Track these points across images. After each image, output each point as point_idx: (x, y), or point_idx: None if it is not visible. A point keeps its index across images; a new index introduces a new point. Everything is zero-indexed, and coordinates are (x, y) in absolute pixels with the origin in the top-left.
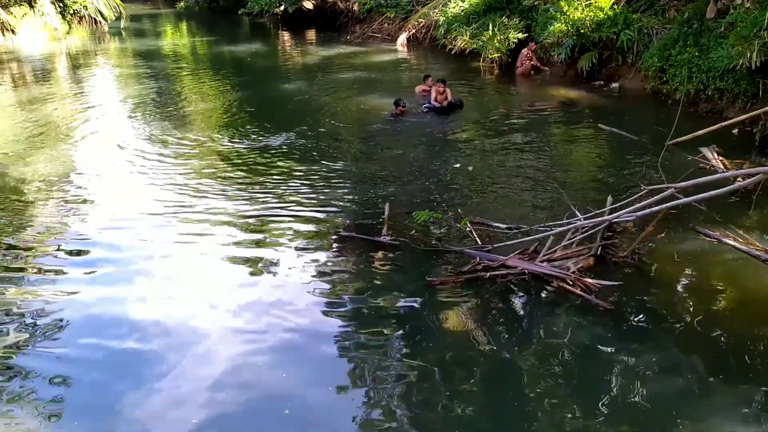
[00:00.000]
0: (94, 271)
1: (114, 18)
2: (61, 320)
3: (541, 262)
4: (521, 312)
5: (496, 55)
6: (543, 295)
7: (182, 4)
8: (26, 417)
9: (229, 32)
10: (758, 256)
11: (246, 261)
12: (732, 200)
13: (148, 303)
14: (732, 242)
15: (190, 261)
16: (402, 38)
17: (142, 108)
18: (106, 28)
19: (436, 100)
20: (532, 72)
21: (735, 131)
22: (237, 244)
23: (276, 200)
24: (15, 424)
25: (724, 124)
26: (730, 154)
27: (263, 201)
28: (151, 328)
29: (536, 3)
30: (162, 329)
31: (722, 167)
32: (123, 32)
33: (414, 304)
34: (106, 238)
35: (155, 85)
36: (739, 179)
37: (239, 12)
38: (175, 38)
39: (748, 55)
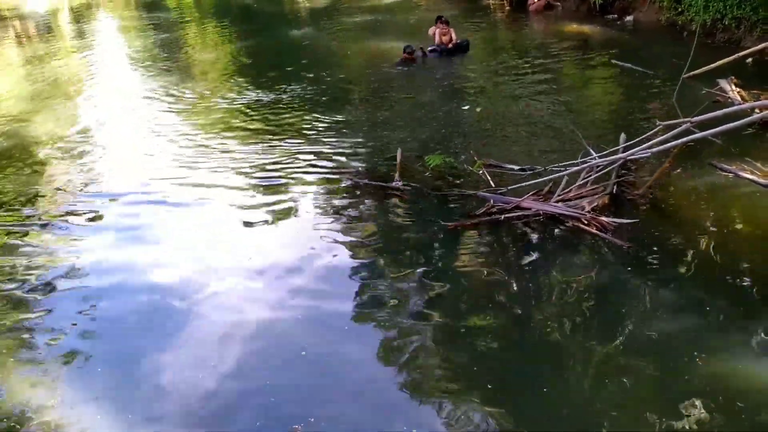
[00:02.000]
0: (110, 230)
1: None
2: (83, 275)
3: (556, 202)
4: (538, 253)
5: None
6: (559, 235)
7: None
8: (51, 364)
9: None
10: None
11: (260, 211)
12: (748, 132)
13: (166, 258)
14: (749, 176)
15: (206, 214)
16: None
17: (148, 61)
18: None
19: (440, 41)
20: (549, 7)
21: (749, 61)
22: (250, 195)
23: (287, 150)
24: (39, 372)
25: (741, 54)
26: (748, 85)
27: (274, 151)
28: (171, 281)
29: None
30: (182, 281)
31: (739, 99)
32: None
33: (429, 249)
34: (120, 197)
35: (160, 37)
36: (756, 111)
37: None
38: None
39: None
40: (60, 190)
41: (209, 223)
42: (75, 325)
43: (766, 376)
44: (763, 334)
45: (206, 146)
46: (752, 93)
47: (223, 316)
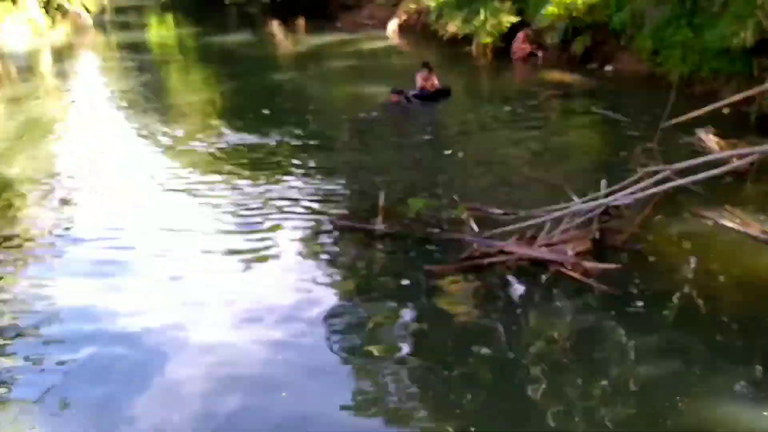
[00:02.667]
0: (83, 275)
1: (98, 11)
2: (55, 322)
3: (540, 247)
4: (521, 297)
5: (488, 39)
6: (542, 280)
7: None
8: (21, 412)
9: (217, 22)
10: (756, 236)
11: (241, 254)
12: (727, 180)
13: (141, 305)
14: (729, 223)
15: (183, 259)
16: (393, 25)
17: (129, 102)
18: (90, 22)
19: (422, 87)
20: (531, 56)
21: (726, 111)
22: (231, 237)
23: (270, 192)
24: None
25: (718, 104)
26: (726, 135)
27: (257, 193)
28: (146, 328)
29: None
30: (157, 328)
31: (717, 148)
32: (107, 25)
33: (412, 293)
34: (95, 241)
35: (142, 78)
36: (734, 159)
37: (226, 2)
38: (161, 30)
39: (742, 34)
40: (34, 233)
41: (186, 269)
42: (44, 371)
43: (749, 421)
44: (744, 380)
45: (186, 189)
46: (730, 142)
47: (198, 363)
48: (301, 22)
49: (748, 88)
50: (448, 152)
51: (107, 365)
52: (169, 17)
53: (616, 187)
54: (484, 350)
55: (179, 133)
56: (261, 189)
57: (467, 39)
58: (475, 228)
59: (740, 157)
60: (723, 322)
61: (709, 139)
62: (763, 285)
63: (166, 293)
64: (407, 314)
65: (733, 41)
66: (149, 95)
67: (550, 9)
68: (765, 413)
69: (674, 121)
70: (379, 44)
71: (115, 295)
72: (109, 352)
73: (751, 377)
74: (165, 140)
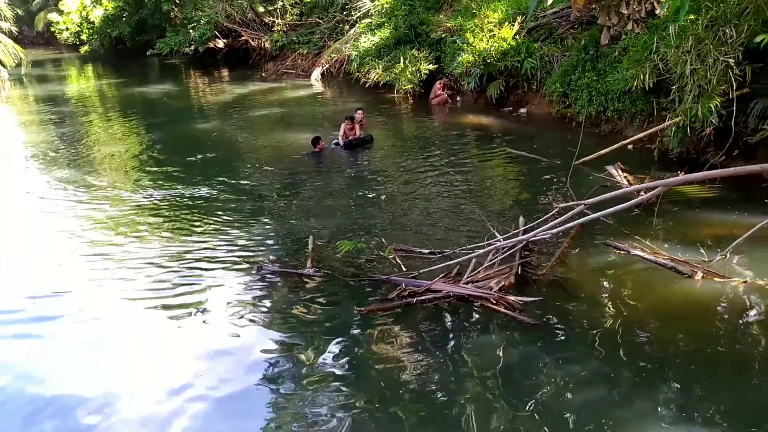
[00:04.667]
0: (5, 331)
1: (14, 65)
2: None
3: (465, 284)
4: (449, 334)
5: (409, 86)
6: (469, 315)
7: (86, 47)
8: None
9: (138, 74)
10: (665, 264)
11: (169, 307)
12: (636, 213)
13: (68, 365)
14: (640, 253)
15: (110, 313)
16: (316, 73)
17: (48, 155)
18: (6, 75)
19: (344, 135)
20: (448, 102)
21: (630, 147)
22: (158, 290)
23: (197, 242)
24: None
25: (623, 142)
26: (634, 170)
27: (183, 244)
28: (74, 390)
29: (444, 35)
30: (84, 391)
31: (626, 183)
32: (24, 78)
33: (343, 335)
34: (15, 295)
35: (61, 131)
36: (642, 193)
37: (147, 53)
38: (80, 82)
39: (642, 77)
40: None
41: (112, 325)
42: None
43: None
44: (663, 404)
45: (108, 244)
46: (637, 177)
47: (127, 424)
48: (224, 72)
49: (650, 127)
50: (373, 196)
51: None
52: (89, 68)
53: (534, 223)
54: (416, 386)
55: (103, 184)
56: (188, 238)
57: (389, 85)
58: (403, 268)
59: (647, 190)
60: (640, 348)
61: (619, 174)
62: (674, 310)
63: (92, 357)
64: (339, 355)
65: (633, 83)
66: (67, 147)
67: (465, 56)
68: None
69: (585, 159)
70: (303, 92)
71: (38, 361)
72: (30, 420)
73: (669, 401)
74: (87, 194)
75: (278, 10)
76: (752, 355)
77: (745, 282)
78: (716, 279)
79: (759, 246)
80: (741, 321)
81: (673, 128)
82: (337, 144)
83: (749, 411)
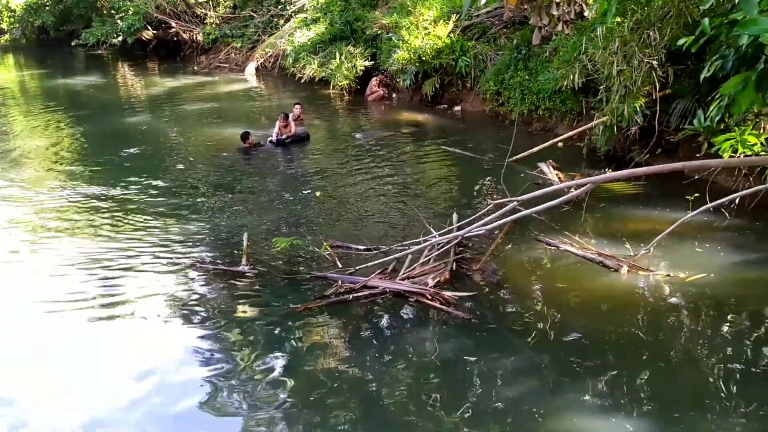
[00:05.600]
0: None
1: None
2: None
3: (401, 280)
4: (386, 330)
5: (344, 82)
6: (405, 311)
7: (7, 36)
8: None
9: (62, 65)
10: (593, 258)
11: (96, 310)
12: (566, 209)
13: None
14: (569, 248)
15: (35, 318)
16: (250, 68)
17: None
18: None
19: (279, 132)
20: (384, 98)
21: (560, 145)
22: (85, 292)
23: (126, 242)
24: None
25: (555, 140)
26: (564, 168)
27: (110, 245)
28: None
29: (379, 32)
30: (12, 401)
31: (557, 180)
32: None
33: (280, 333)
34: None
35: None
36: (572, 190)
37: (72, 44)
38: (1, 72)
39: (571, 77)
40: None
41: (40, 331)
42: None
43: (600, 428)
44: (591, 393)
45: (28, 244)
46: (568, 174)
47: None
48: (154, 65)
49: (579, 125)
50: (308, 192)
51: None
52: (9, 59)
53: (469, 219)
54: (352, 383)
55: (20, 182)
56: (116, 238)
57: (324, 81)
58: (339, 265)
59: (577, 187)
60: (571, 340)
61: (550, 171)
62: (601, 303)
63: (26, 365)
64: (275, 353)
65: (563, 83)
66: None
67: (401, 54)
68: (612, 420)
69: (518, 156)
70: (236, 87)
71: None
72: None
73: (598, 389)
74: (5, 191)
75: (211, 2)
76: (674, 344)
77: (668, 275)
78: (641, 272)
79: (680, 241)
80: (664, 312)
81: (601, 127)
82: (271, 141)
83: (672, 396)
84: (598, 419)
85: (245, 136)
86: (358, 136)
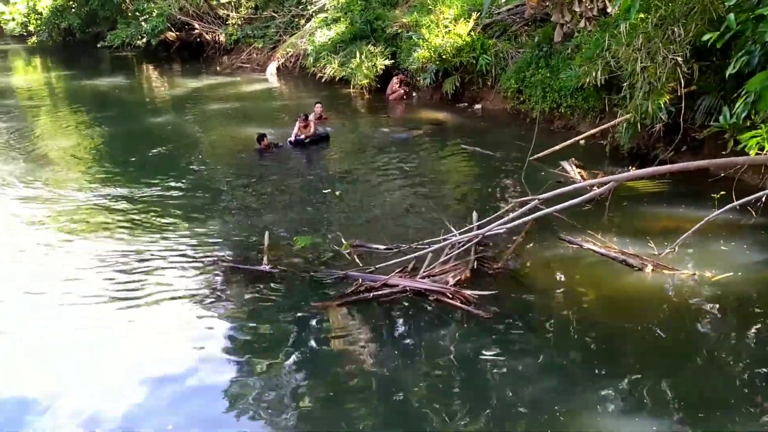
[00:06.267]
0: None
1: None
2: None
3: (421, 278)
4: (406, 328)
5: (365, 81)
6: (426, 310)
7: (34, 39)
8: None
9: (88, 66)
10: (615, 257)
11: (121, 306)
12: (588, 208)
13: (14, 361)
14: (592, 246)
15: (59, 312)
16: (271, 68)
17: None
18: None
19: (299, 133)
20: (404, 97)
21: (582, 143)
22: (109, 289)
23: (149, 239)
24: None
25: (576, 138)
26: (586, 166)
27: (135, 243)
28: (24, 387)
29: (399, 31)
30: (35, 386)
31: (580, 178)
32: None
33: (301, 331)
34: None
35: (8, 125)
36: (594, 188)
37: (98, 45)
38: (28, 74)
39: (594, 74)
40: None
41: (69, 328)
42: None
43: (623, 427)
44: (614, 394)
45: (57, 242)
46: (591, 172)
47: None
48: (177, 65)
49: (602, 123)
50: (328, 192)
51: None
52: (37, 61)
53: (490, 218)
54: (371, 381)
55: (51, 180)
56: (140, 236)
57: (345, 80)
58: (360, 263)
59: (600, 185)
60: (594, 339)
61: (573, 169)
62: (625, 303)
63: (42, 356)
64: (296, 351)
65: (585, 80)
66: (14, 142)
67: (421, 52)
68: (635, 420)
69: (539, 155)
70: (258, 87)
71: None
72: None
73: (621, 389)
74: (36, 190)
75: (233, 3)
76: (699, 344)
77: (693, 274)
78: (665, 272)
79: (706, 240)
80: (689, 312)
81: (624, 124)
82: (290, 142)
83: (697, 398)
84: (620, 419)
85: (260, 138)
86: (398, 136)
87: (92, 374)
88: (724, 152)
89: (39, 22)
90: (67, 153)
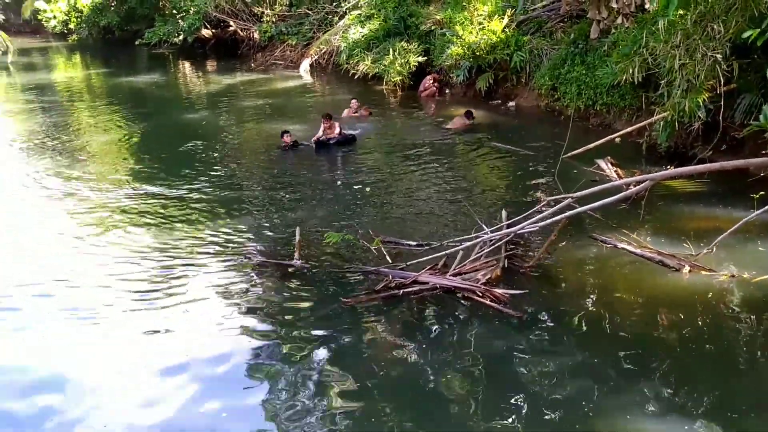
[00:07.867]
0: None
1: (0, 53)
2: None
3: (452, 276)
4: (436, 325)
5: (398, 78)
6: (456, 308)
7: (74, 36)
8: None
9: (126, 64)
10: (651, 258)
11: (154, 298)
12: (624, 207)
13: (51, 351)
14: (626, 246)
15: (94, 304)
16: (305, 64)
17: (34, 145)
18: None
19: (325, 133)
20: (437, 94)
21: (618, 141)
22: (143, 281)
23: (183, 233)
24: None
25: (612, 136)
26: (622, 164)
27: (168, 236)
28: (67, 378)
29: (433, 28)
30: (69, 374)
31: (616, 177)
32: (11, 67)
33: (331, 327)
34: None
35: (49, 120)
36: (630, 187)
37: (136, 43)
38: (68, 71)
39: (630, 71)
40: None
41: (103, 315)
42: None
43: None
44: (648, 396)
45: (93, 235)
46: (628, 171)
47: (125, 407)
48: (212, 62)
49: (639, 121)
50: (359, 188)
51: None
52: (77, 58)
53: (522, 216)
54: (401, 378)
55: (90, 173)
56: (174, 230)
57: (378, 77)
58: (390, 260)
59: (636, 184)
60: (626, 341)
61: (609, 167)
62: (660, 304)
63: (77, 346)
64: (326, 346)
65: (622, 77)
66: (53, 137)
67: (454, 49)
68: (668, 421)
69: (573, 152)
70: (292, 84)
71: (18, 350)
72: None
73: (654, 391)
74: (68, 185)
75: (267, 1)
76: (738, 348)
77: (732, 276)
78: (703, 273)
79: (745, 240)
80: (727, 314)
81: (662, 122)
82: (315, 143)
83: (734, 403)
84: (653, 421)
85: (283, 134)
86: (448, 126)
87: (126, 367)
88: (764, 151)
89: (79, 20)
90: (103, 148)
